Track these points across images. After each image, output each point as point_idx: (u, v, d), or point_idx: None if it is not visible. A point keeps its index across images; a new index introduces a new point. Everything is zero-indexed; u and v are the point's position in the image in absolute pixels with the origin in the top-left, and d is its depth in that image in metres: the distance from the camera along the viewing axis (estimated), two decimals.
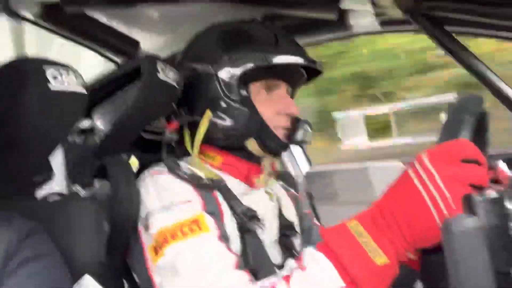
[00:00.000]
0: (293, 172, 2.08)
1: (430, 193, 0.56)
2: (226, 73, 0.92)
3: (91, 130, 1.14)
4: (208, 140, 0.95)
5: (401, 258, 0.61)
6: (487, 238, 0.45)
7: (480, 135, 0.61)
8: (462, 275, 0.43)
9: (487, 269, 0.43)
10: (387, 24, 1.19)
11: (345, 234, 0.62)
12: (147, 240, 0.83)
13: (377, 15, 1.16)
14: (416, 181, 0.58)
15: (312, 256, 0.65)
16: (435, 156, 0.58)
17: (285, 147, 0.98)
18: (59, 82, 0.68)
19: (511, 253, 0.48)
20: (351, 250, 0.61)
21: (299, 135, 0.98)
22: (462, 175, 0.56)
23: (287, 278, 0.66)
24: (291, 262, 0.69)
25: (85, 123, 1.15)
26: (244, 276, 0.75)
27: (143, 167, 0.96)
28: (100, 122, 1.10)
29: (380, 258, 0.59)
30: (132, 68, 0.98)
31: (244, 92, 0.93)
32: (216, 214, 0.85)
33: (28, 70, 0.68)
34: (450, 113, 0.62)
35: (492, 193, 0.50)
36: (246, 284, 0.72)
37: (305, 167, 2.17)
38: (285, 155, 2.04)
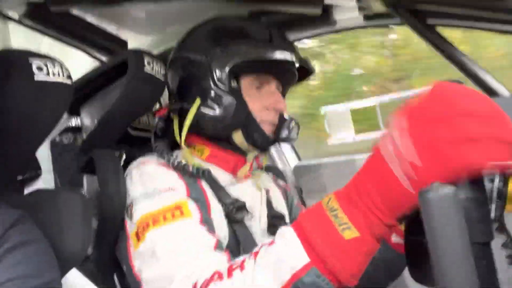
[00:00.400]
0: (281, 166, 2.09)
1: (399, 155, 0.50)
2: (218, 65, 0.93)
3: (79, 129, 1.13)
4: (196, 131, 0.97)
5: (378, 231, 0.55)
6: (465, 209, 0.44)
7: None
8: (440, 243, 0.43)
9: (464, 237, 0.43)
10: (371, 18, 1.21)
11: (317, 209, 0.59)
12: (131, 228, 0.84)
13: (361, 9, 1.18)
14: (388, 144, 0.51)
15: (281, 231, 0.63)
16: (415, 113, 0.50)
17: (270, 142, 0.99)
18: (44, 73, 0.67)
19: (488, 225, 0.48)
20: (319, 225, 0.57)
21: (285, 132, 0.99)
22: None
23: (255, 253, 0.65)
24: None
25: (73, 122, 1.14)
26: (222, 256, 0.74)
27: (131, 160, 0.96)
28: (87, 120, 1.09)
29: (350, 232, 0.55)
30: (119, 63, 0.98)
31: (234, 84, 0.94)
32: (201, 201, 0.86)
33: (13, 61, 0.67)
34: None
35: None
36: (222, 263, 0.71)
37: (293, 161, 2.18)
38: (273, 150, 2.05)
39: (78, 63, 1.36)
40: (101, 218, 0.89)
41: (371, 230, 0.55)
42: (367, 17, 1.21)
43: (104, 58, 1.39)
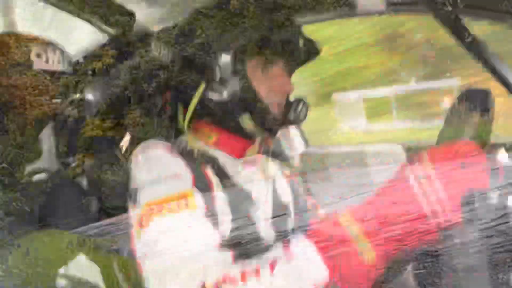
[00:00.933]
0: (288, 153, 2.08)
1: (425, 193, 0.58)
2: (222, 47, 0.92)
3: (81, 103, 1.13)
4: (203, 116, 0.97)
5: (392, 255, 0.62)
6: None
7: (484, 124, 0.62)
8: None
9: None
10: (394, 4, 1.16)
11: (336, 227, 0.64)
12: (134, 214, 0.83)
13: None
14: (412, 179, 0.59)
15: (302, 245, 0.66)
16: (436, 156, 0.59)
17: (279, 124, 1.00)
18: (43, 60, 0.67)
19: None
20: (342, 245, 0.62)
21: (293, 113, 0.99)
22: (461, 177, 0.57)
23: (272, 265, 0.66)
24: (278, 246, 0.69)
25: (75, 95, 1.13)
26: (228, 257, 0.74)
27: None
28: (91, 96, 1.09)
29: (369, 256, 0.61)
30: (124, 44, 0.98)
31: (239, 67, 0.93)
32: (206, 191, 0.85)
33: (12, 46, 0.67)
34: (456, 105, 0.62)
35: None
36: (229, 264, 0.72)
37: (301, 148, 2.16)
38: (281, 135, 2.05)
39: (82, 33, 1.34)
40: (101, 202, 0.92)
41: (387, 255, 0.61)
42: (390, 3, 1.16)
43: (110, 30, 1.35)
